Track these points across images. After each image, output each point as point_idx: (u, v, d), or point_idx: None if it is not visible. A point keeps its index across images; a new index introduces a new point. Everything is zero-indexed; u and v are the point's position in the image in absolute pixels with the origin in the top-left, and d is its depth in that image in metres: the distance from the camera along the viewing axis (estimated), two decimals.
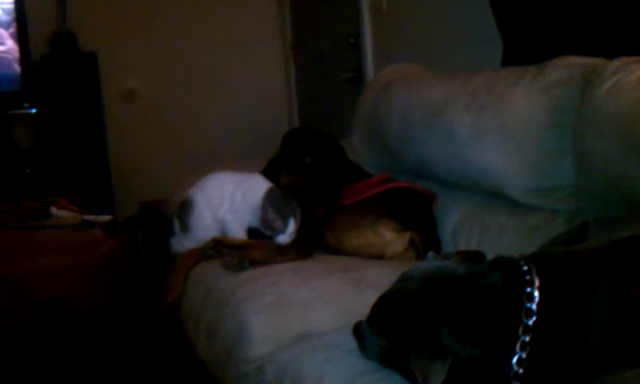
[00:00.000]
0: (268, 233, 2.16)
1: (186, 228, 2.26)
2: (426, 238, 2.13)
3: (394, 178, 2.36)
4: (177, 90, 4.57)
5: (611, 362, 1.06)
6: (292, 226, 2.11)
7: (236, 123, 4.68)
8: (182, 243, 2.29)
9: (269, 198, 2.15)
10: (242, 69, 4.69)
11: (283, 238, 2.12)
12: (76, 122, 4.01)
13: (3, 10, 3.87)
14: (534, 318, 1.09)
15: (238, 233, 2.21)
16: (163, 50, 4.50)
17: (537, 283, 1.11)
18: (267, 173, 2.38)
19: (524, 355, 1.09)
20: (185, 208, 2.27)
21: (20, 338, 2.61)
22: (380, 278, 1.66)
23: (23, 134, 4.05)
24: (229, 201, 2.22)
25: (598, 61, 1.81)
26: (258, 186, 2.22)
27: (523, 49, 2.31)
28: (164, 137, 4.55)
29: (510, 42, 2.39)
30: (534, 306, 1.10)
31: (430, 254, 1.41)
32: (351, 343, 1.40)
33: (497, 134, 1.97)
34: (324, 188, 2.30)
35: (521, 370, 1.09)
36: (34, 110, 3.97)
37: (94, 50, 4.09)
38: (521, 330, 1.10)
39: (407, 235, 2.12)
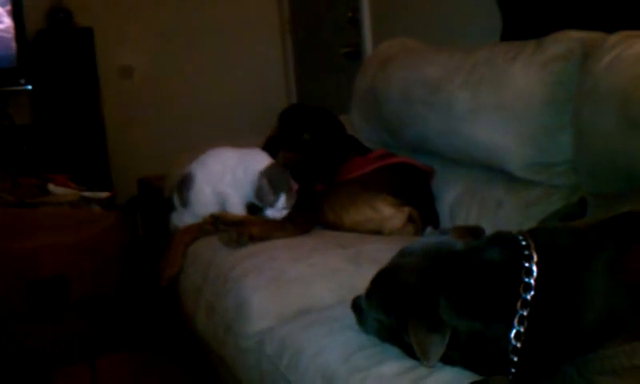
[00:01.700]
0: (260, 204, 2.16)
1: (185, 203, 2.26)
2: (424, 213, 2.14)
3: (393, 154, 2.36)
4: (173, 66, 4.55)
5: (608, 335, 1.06)
6: (282, 202, 2.11)
7: (234, 99, 4.66)
8: (182, 218, 2.29)
9: (266, 171, 2.15)
10: (239, 45, 4.67)
11: (273, 213, 2.13)
12: (72, 98, 3.99)
13: None
14: (532, 293, 1.10)
15: (237, 208, 2.21)
16: (159, 26, 4.47)
17: (535, 258, 1.12)
18: (266, 151, 2.37)
19: (522, 329, 1.10)
20: (185, 183, 2.27)
21: (19, 315, 2.63)
22: (379, 253, 1.67)
23: (20, 111, 4.03)
24: (230, 175, 2.22)
25: (597, 35, 1.80)
26: (261, 160, 2.21)
27: (522, 23, 2.30)
28: (161, 113, 4.53)
29: (509, 16, 2.38)
30: (532, 281, 1.10)
31: (428, 229, 1.42)
32: (350, 318, 1.40)
33: (495, 109, 1.96)
34: (321, 164, 2.29)
35: (519, 344, 1.10)
36: (30, 87, 3.96)
37: (90, 26, 4.06)
38: (519, 304, 1.10)
39: (406, 210, 2.12)
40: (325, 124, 2.42)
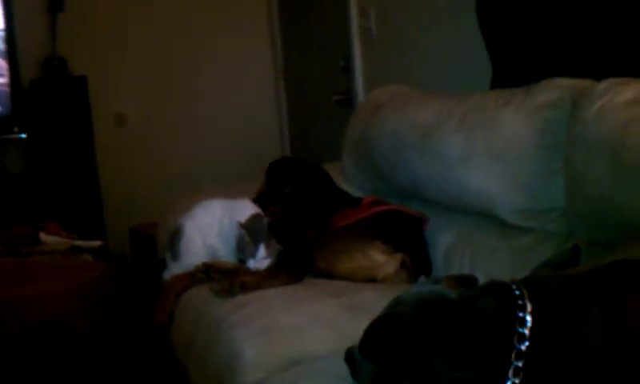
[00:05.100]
0: (242, 256, 2.15)
1: (176, 256, 2.25)
2: (417, 259, 2.13)
3: (384, 200, 2.36)
4: (168, 114, 4.57)
5: None
6: (262, 252, 2.11)
7: (228, 147, 4.67)
8: (172, 271, 2.27)
9: (248, 222, 2.15)
10: (233, 92, 4.70)
11: (254, 263, 2.12)
12: (66, 146, 3.99)
13: None
14: (527, 344, 1.08)
15: (227, 258, 2.20)
16: (154, 74, 4.50)
17: (529, 308, 1.11)
18: (257, 204, 2.38)
19: (517, 381, 1.08)
20: (175, 236, 2.27)
21: (10, 364, 2.59)
22: (373, 302, 1.64)
23: (13, 159, 4.03)
24: (218, 226, 2.22)
25: (586, 82, 1.82)
26: (246, 210, 2.21)
27: (512, 71, 2.32)
28: (155, 161, 4.53)
29: (499, 64, 2.41)
30: (527, 331, 1.09)
31: (421, 278, 1.40)
32: (344, 369, 1.38)
33: (487, 156, 1.97)
34: (303, 217, 2.30)
35: None
36: (24, 135, 3.96)
37: (85, 74, 4.09)
38: (513, 355, 1.09)
39: (398, 257, 2.11)
40: (307, 178, 2.44)
